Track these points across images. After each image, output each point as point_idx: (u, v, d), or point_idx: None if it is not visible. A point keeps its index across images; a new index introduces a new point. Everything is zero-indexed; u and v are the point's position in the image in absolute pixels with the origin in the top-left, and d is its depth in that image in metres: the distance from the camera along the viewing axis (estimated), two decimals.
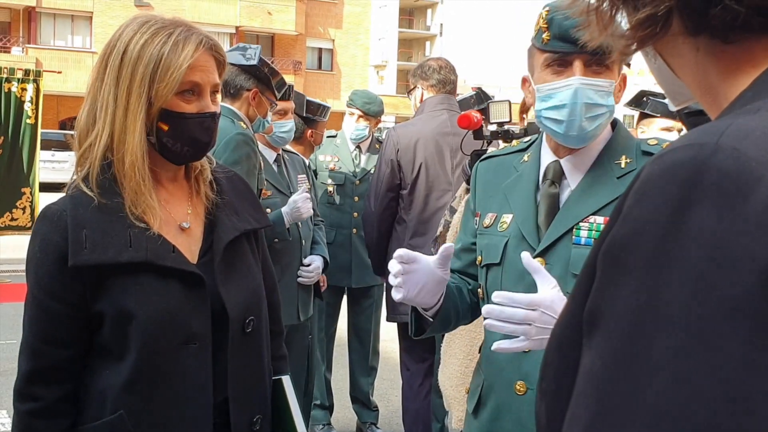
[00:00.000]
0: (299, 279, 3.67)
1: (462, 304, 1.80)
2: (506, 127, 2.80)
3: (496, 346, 1.48)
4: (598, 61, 1.63)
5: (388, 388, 5.58)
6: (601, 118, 1.66)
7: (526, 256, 1.50)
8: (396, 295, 1.59)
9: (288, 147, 4.06)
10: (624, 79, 1.69)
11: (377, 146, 4.76)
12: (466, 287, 1.85)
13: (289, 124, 3.70)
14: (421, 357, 3.95)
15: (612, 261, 0.60)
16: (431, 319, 1.72)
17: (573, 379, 0.63)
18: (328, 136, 4.81)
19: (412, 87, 4.01)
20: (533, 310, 1.42)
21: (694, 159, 0.57)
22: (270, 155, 3.74)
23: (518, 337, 1.45)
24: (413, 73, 3.98)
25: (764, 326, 0.52)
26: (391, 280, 1.60)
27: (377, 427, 4.76)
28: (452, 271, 1.85)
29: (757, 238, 0.53)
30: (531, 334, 1.42)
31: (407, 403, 3.98)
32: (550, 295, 1.44)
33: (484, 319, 1.49)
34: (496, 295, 1.45)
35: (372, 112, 4.64)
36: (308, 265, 3.73)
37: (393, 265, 1.58)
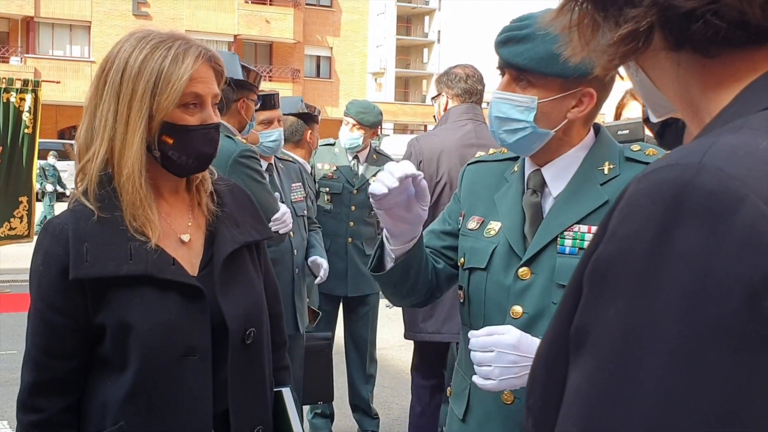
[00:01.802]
0: (316, 281, 3.76)
1: (423, 276, 1.79)
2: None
3: (473, 379, 1.56)
4: (525, 77, 1.64)
5: (389, 395, 5.58)
6: (521, 132, 1.66)
7: (473, 336, 1.56)
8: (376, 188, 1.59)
9: (287, 154, 4.04)
10: (589, 95, 1.65)
11: (375, 157, 4.77)
12: (433, 266, 1.86)
13: (275, 134, 3.66)
14: (431, 374, 3.92)
15: (598, 279, 0.61)
16: (392, 263, 1.73)
17: (560, 395, 0.63)
18: (326, 144, 4.81)
19: (437, 93, 3.89)
20: (490, 351, 1.50)
21: (679, 179, 0.58)
22: (264, 163, 3.70)
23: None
24: (438, 80, 3.86)
25: (750, 345, 0.53)
26: (385, 177, 1.59)
27: None
28: (430, 248, 1.89)
29: (741, 257, 0.54)
30: (494, 375, 1.50)
31: (414, 419, 3.95)
32: (517, 336, 1.52)
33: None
34: (471, 335, 1.55)
35: (366, 122, 4.61)
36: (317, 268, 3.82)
37: (390, 172, 1.57)
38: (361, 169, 4.72)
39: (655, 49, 0.70)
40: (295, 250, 3.69)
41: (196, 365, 1.57)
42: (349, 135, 4.63)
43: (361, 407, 4.76)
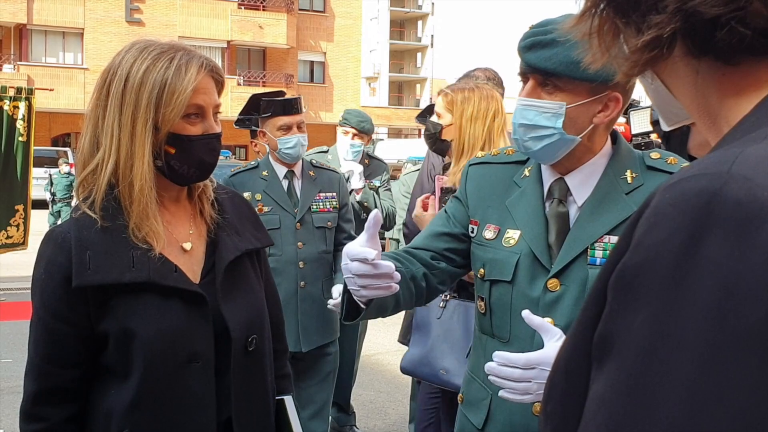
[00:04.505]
0: (329, 306, 3.49)
1: (404, 291, 1.71)
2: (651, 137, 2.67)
3: (501, 394, 1.51)
4: (552, 81, 1.61)
5: (385, 400, 5.57)
6: (547, 139, 1.64)
7: (527, 314, 1.50)
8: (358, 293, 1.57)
9: (327, 164, 3.97)
10: (615, 100, 1.63)
11: (367, 162, 4.83)
12: (422, 272, 1.79)
13: (293, 140, 3.55)
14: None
15: (624, 288, 0.61)
16: (363, 306, 1.65)
17: (580, 403, 0.63)
18: (319, 152, 4.85)
19: None
20: (532, 368, 1.45)
21: (707, 188, 0.57)
22: (280, 171, 3.65)
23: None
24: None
25: None
26: (355, 281, 1.54)
27: (357, 428, 4.80)
28: (425, 250, 1.83)
29: None
30: (532, 389, 1.46)
31: (423, 428, 3.83)
32: (555, 350, 1.45)
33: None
34: (495, 356, 1.49)
35: (366, 129, 4.72)
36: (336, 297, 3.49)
37: (358, 267, 1.51)
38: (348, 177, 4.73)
39: (674, 57, 0.70)
40: (301, 262, 3.56)
41: (199, 372, 1.58)
42: (351, 143, 4.68)
43: (340, 404, 4.80)
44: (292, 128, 3.58)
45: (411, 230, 3.48)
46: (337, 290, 3.50)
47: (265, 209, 3.49)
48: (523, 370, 1.46)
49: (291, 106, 3.60)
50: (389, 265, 1.52)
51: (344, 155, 4.68)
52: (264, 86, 30.88)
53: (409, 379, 5.88)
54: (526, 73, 1.66)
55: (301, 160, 3.71)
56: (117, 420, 1.55)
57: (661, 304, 0.57)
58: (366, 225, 1.53)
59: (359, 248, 1.51)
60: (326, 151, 4.85)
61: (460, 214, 1.86)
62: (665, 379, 0.55)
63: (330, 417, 4.76)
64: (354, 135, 4.69)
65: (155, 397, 1.55)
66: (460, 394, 1.90)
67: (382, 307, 1.69)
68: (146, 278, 1.54)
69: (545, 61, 1.59)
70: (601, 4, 0.73)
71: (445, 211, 1.90)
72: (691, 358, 0.54)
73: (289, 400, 1.82)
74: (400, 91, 52.61)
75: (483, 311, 1.78)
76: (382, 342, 6.15)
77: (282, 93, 3.76)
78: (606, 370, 0.60)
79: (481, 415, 1.76)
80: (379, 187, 4.75)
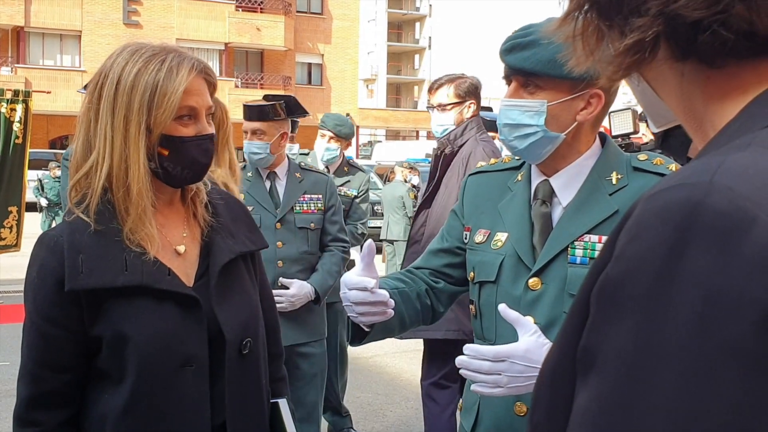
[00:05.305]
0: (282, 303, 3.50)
1: (410, 310, 1.79)
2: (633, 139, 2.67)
3: (473, 387, 1.54)
4: (533, 81, 1.65)
5: (383, 402, 5.57)
6: (532, 137, 1.67)
7: (503, 307, 1.53)
8: (357, 318, 1.66)
9: (317, 166, 4.04)
10: (597, 97, 1.65)
11: (346, 169, 4.89)
12: (424, 288, 1.85)
13: (245, 145, 3.65)
14: (453, 378, 3.66)
15: (606, 300, 0.60)
16: (367, 329, 1.74)
17: (565, 413, 0.63)
18: (301, 154, 4.93)
19: (458, 101, 3.66)
20: (501, 361, 1.48)
21: (689, 199, 0.57)
22: (264, 172, 3.78)
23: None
24: (459, 86, 3.67)
25: (762, 367, 0.52)
26: (353, 309, 1.63)
27: (354, 430, 4.80)
28: (424, 269, 1.89)
29: (753, 278, 0.53)
30: (502, 383, 1.48)
31: (443, 423, 3.68)
32: (526, 344, 1.48)
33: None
34: (466, 348, 1.52)
35: (343, 134, 4.77)
36: (286, 288, 3.56)
37: (356, 296, 1.61)
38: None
39: (659, 60, 0.69)
40: (280, 261, 3.63)
41: (194, 376, 1.57)
42: (326, 146, 4.76)
43: (333, 406, 4.79)
44: (248, 134, 3.70)
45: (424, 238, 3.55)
46: (296, 285, 3.59)
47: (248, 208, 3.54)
48: (492, 363, 1.48)
49: (247, 112, 3.71)
50: (384, 293, 1.62)
51: (320, 158, 4.76)
52: (262, 88, 30.88)
53: (407, 381, 5.89)
54: (509, 76, 1.70)
55: (287, 162, 3.83)
56: (111, 424, 1.54)
57: (643, 316, 0.56)
58: (361, 255, 1.64)
59: (357, 278, 1.61)
60: (307, 154, 4.95)
61: (454, 228, 1.90)
62: (648, 392, 0.55)
63: (324, 420, 4.78)
64: (330, 138, 4.75)
65: (149, 401, 1.54)
66: (459, 403, 1.91)
67: (387, 329, 1.77)
68: (139, 282, 1.53)
69: (524, 62, 1.63)
70: (585, 6, 0.72)
71: (443, 229, 1.95)
72: (674, 371, 0.54)
73: (283, 403, 1.81)
74: (397, 93, 52.68)
75: (474, 314, 1.80)
76: (379, 344, 6.13)
77: (285, 98, 3.84)
78: (589, 383, 0.60)
79: (471, 418, 1.78)
80: (355, 197, 4.75)
